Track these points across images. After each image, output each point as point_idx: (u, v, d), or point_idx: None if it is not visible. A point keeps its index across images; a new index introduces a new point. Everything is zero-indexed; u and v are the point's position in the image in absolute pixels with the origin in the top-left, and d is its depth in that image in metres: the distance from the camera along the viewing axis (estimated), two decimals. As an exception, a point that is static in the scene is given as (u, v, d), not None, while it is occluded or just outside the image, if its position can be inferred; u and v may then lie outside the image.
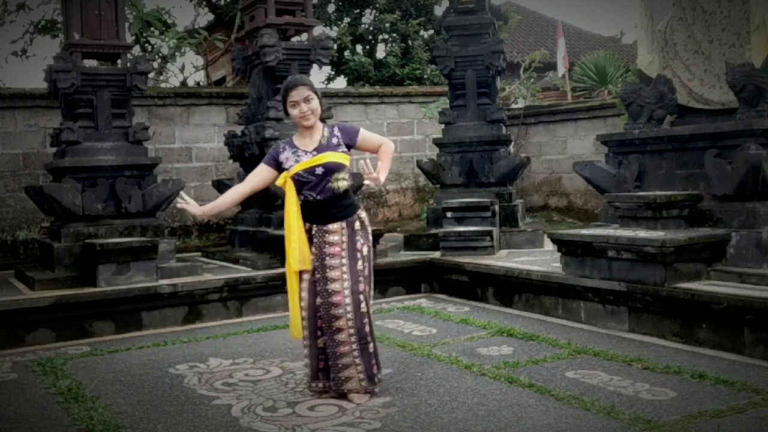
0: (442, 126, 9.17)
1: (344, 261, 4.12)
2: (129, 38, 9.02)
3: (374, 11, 14.90)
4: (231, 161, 9.21)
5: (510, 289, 6.77)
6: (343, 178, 4.15)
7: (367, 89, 11.74)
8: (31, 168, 9.14)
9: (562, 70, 14.35)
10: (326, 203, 4.14)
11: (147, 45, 12.56)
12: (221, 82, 15.82)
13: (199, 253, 8.93)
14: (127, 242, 6.58)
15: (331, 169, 4.10)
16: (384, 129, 11.54)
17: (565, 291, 6.13)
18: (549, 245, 7.25)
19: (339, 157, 4.13)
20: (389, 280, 7.54)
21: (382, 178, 4.12)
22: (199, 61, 15.17)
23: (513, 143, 10.15)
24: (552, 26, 23.14)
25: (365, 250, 4.22)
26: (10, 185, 9.06)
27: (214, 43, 12.62)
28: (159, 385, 4.67)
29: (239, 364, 5.09)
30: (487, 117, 8.84)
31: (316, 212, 4.17)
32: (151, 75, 11.06)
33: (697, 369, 4.48)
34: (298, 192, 4.16)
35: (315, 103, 4.14)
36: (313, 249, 4.17)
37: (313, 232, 4.19)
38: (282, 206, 4.53)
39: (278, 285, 6.65)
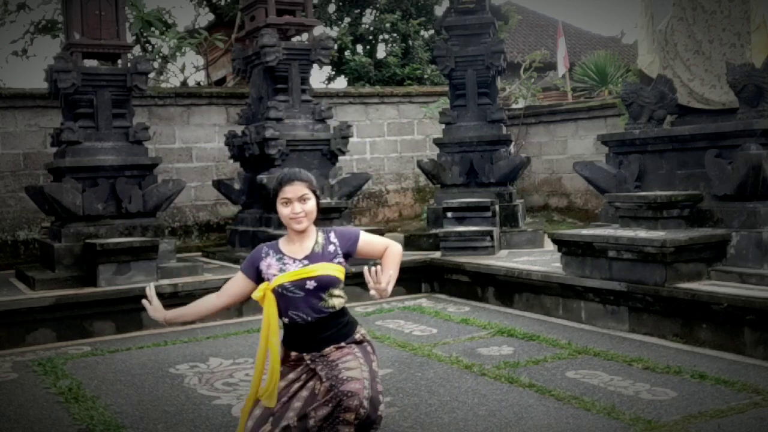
0: (443, 126, 9.18)
1: (359, 355, 3.28)
2: (129, 38, 9.01)
3: (374, 11, 14.91)
4: (231, 161, 9.21)
5: (510, 289, 6.77)
6: (339, 296, 3.31)
7: (367, 89, 11.74)
8: (32, 168, 9.14)
9: (562, 70, 14.34)
10: (319, 325, 3.27)
11: (147, 45, 12.57)
12: (221, 82, 15.82)
13: (200, 253, 8.94)
14: (128, 242, 6.58)
15: (326, 285, 3.26)
16: (384, 129, 11.55)
17: (565, 291, 6.13)
18: (549, 245, 7.25)
19: (335, 269, 3.29)
20: (390, 280, 7.53)
21: (389, 288, 3.23)
22: (200, 61, 15.16)
23: (513, 143, 10.15)
24: (552, 26, 23.13)
25: (377, 361, 3.38)
26: (10, 185, 9.06)
27: (215, 43, 12.61)
28: (159, 385, 4.67)
29: (239, 364, 5.09)
30: (488, 117, 8.85)
31: (307, 337, 3.28)
32: (152, 75, 11.03)
33: (698, 369, 4.48)
34: (281, 313, 3.27)
35: (311, 204, 3.27)
36: (323, 376, 3.20)
37: (307, 361, 3.27)
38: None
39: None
